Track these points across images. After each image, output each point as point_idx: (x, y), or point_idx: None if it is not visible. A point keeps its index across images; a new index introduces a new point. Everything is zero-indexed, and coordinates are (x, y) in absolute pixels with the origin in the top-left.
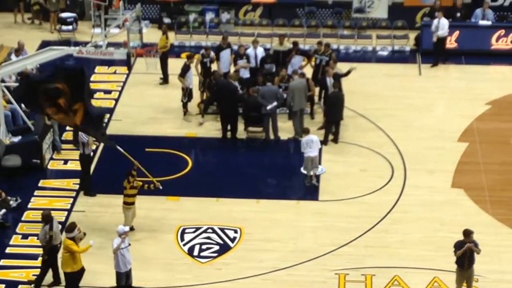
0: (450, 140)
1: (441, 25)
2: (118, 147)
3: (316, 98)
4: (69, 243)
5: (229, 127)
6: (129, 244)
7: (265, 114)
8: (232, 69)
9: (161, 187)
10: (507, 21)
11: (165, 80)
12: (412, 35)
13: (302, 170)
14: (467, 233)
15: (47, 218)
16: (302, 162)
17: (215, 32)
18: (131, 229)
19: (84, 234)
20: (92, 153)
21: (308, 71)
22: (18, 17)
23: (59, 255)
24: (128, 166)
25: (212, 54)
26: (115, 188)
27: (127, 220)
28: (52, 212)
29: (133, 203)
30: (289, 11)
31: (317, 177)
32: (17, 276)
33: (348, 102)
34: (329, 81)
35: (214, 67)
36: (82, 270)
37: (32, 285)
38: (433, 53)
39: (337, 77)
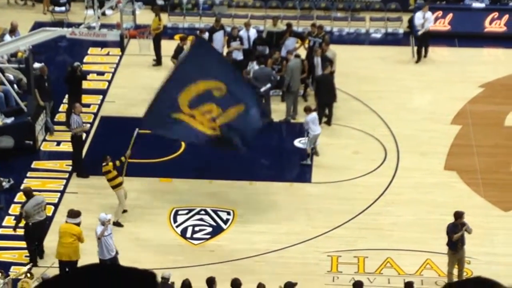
0: (443, 123)
1: (428, 18)
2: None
3: (309, 82)
4: (80, 231)
5: None
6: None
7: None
8: (225, 51)
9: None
10: (501, 3)
11: (158, 61)
12: (406, 17)
13: (301, 145)
14: (459, 215)
15: (25, 194)
16: (294, 144)
17: (208, 14)
18: (124, 211)
19: None
20: (84, 135)
21: (302, 53)
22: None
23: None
24: (120, 148)
25: (206, 36)
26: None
27: (122, 202)
28: (42, 193)
29: (122, 183)
30: None
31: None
32: (9, 257)
33: (341, 84)
34: (316, 60)
35: None
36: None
37: (30, 265)
38: (419, 48)
39: (326, 59)
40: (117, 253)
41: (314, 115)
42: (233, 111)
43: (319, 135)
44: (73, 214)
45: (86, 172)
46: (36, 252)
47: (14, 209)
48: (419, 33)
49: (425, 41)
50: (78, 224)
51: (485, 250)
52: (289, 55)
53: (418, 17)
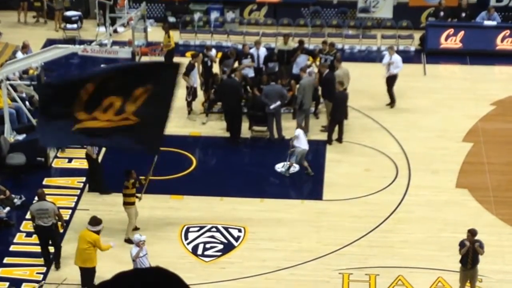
0: (454, 140)
1: (395, 61)
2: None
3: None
4: (96, 238)
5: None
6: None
7: (269, 114)
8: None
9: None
10: None
11: None
12: (417, 35)
13: (283, 169)
14: (472, 233)
15: (37, 195)
16: (299, 156)
17: (220, 31)
18: (135, 228)
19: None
20: (96, 151)
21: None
22: (21, 16)
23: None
24: (130, 166)
25: (212, 53)
26: (119, 187)
27: (132, 219)
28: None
29: (134, 202)
30: (294, 11)
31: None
32: (20, 274)
33: (353, 102)
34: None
35: (215, 66)
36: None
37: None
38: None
39: (329, 78)
40: None
41: (300, 130)
42: (139, 94)
43: (306, 151)
44: (94, 221)
45: (107, 188)
46: (47, 254)
47: (25, 226)
48: (385, 75)
49: (389, 84)
50: (97, 232)
51: (497, 268)
52: (302, 73)
53: (386, 58)
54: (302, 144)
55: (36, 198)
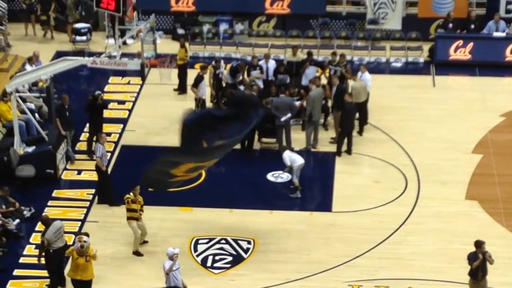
0: (464, 152)
1: (364, 80)
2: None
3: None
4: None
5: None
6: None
7: (278, 126)
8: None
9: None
10: None
11: (182, 90)
12: (426, 46)
13: (273, 178)
14: (479, 244)
15: (44, 223)
16: (299, 172)
17: (228, 43)
18: (144, 242)
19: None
20: (106, 163)
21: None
22: (29, 30)
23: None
24: (138, 178)
25: (223, 66)
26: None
27: (135, 234)
28: (61, 220)
29: (134, 218)
30: (302, 22)
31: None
32: (30, 286)
33: None
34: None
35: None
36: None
37: None
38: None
39: (342, 90)
40: None
41: (287, 152)
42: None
43: (302, 165)
44: None
45: (116, 200)
46: (57, 279)
47: (35, 238)
48: None
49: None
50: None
51: (507, 280)
52: (311, 85)
53: (358, 75)
54: (297, 161)
55: (43, 225)
